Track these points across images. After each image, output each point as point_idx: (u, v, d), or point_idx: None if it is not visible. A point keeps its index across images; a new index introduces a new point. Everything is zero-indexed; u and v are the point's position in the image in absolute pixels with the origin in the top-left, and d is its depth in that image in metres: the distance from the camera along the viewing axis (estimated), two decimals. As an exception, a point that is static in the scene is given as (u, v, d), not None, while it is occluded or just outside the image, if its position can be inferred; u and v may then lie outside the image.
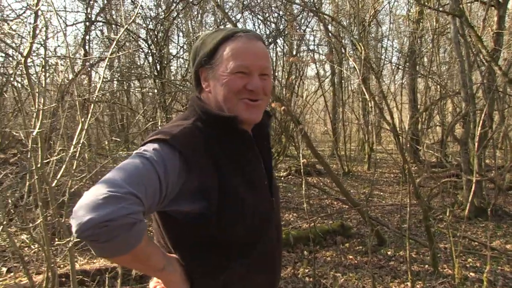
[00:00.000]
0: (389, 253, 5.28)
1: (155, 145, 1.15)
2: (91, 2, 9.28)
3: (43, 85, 2.80)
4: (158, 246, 1.25)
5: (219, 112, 1.29)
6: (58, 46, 9.86)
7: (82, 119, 2.80)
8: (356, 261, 4.98)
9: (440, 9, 7.01)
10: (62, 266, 4.24)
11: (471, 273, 4.56)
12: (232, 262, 1.27)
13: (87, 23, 8.93)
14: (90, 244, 1.01)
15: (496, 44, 6.84)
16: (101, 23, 10.35)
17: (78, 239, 2.72)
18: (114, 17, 10.38)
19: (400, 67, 13.42)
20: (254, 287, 1.37)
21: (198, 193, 1.18)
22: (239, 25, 10.79)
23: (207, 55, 1.31)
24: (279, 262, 1.49)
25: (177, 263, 1.24)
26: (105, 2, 9.78)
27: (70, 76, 5.36)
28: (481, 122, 4.35)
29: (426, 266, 4.76)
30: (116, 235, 0.98)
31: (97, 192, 0.99)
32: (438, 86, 11.40)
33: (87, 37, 9.71)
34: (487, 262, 4.20)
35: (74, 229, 0.98)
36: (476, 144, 4.34)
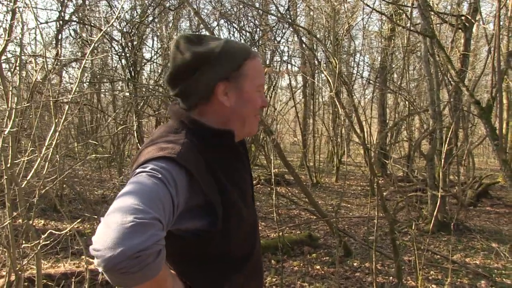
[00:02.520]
0: (355, 264, 5.36)
1: (163, 164, 1.10)
2: (66, 1, 9.13)
3: (17, 84, 2.73)
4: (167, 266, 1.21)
5: (217, 127, 1.29)
6: (29, 43, 9.58)
7: (56, 120, 2.75)
8: (323, 272, 5.03)
9: (412, 28, 7.23)
10: (25, 270, 4.13)
11: (433, 285, 4.68)
12: (232, 274, 1.28)
13: (61, 22, 8.77)
14: (116, 277, 0.92)
15: (462, 65, 7.11)
16: (74, 23, 10.18)
17: (46, 243, 2.67)
18: (88, 17, 10.21)
19: (371, 82, 13.70)
20: None
21: (202, 210, 1.17)
22: (215, 33, 10.81)
23: (230, 69, 1.28)
24: (262, 266, 1.53)
25: (179, 280, 1.23)
26: (80, 2, 9.63)
27: (40, 76, 5.25)
28: (447, 139, 4.50)
29: (391, 277, 4.87)
30: (146, 264, 0.92)
31: (121, 219, 0.92)
32: (407, 102, 11.70)
33: (60, 36, 9.55)
34: (448, 274, 4.34)
35: (102, 263, 0.89)
36: (443, 160, 4.49)
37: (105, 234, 0.91)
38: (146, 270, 0.93)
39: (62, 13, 9.25)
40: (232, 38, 12.71)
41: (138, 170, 1.10)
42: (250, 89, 1.31)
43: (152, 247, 0.92)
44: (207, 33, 7.74)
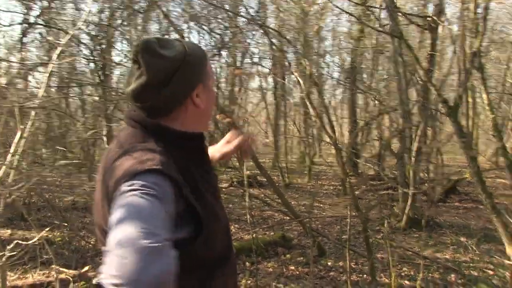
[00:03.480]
0: (329, 263, 5.40)
1: (152, 178, 1.05)
2: (30, 3, 8.90)
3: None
4: None
5: (189, 130, 1.27)
6: (-9, 47, 9.30)
7: (22, 126, 2.67)
8: (297, 272, 5.05)
9: (381, 29, 7.35)
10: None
11: (406, 281, 4.76)
12: (214, 276, 1.27)
13: (26, 25, 8.55)
14: None
15: (430, 64, 7.26)
16: (40, 26, 9.92)
17: (13, 253, 2.58)
18: (55, 20, 9.98)
19: (341, 82, 13.86)
20: None
21: (183, 217, 1.13)
22: (185, 35, 10.73)
23: (202, 73, 1.29)
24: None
25: None
26: (46, 4, 9.41)
27: (4, 80, 5.10)
28: (417, 137, 4.59)
29: (365, 275, 4.92)
30: (164, 286, 0.88)
31: (132, 245, 0.87)
32: (377, 102, 11.88)
33: (24, 39, 9.29)
34: (420, 270, 4.42)
35: None
36: (413, 158, 4.57)
37: (124, 265, 0.85)
38: None
39: (27, 16, 9.00)
40: (202, 41, 12.67)
41: (124, 188, 1.03)
42: (212, 87, 1.32)
43: (171, 270, 0.89)
44: (177, 36, 7.68)
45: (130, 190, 1.01)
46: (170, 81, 1.20)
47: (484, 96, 4.68)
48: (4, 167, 2.76)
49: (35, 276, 4.12)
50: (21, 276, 4.41)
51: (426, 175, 8.86)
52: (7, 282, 4.00)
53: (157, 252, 0.88)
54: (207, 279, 1.25)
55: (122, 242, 0.89)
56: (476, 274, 5.02)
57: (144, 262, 0.85)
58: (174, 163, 1.15)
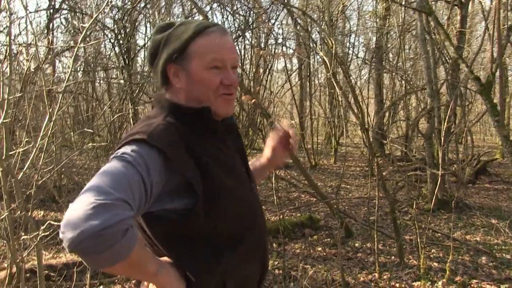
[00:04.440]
0: (356, 245, 5.38)
1: (134, 147, 1.12)
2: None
3: (8, 74, 2.67)
4: (149, 251, 1.21)
5: (191, 105, 1.29)
6: (20, 33, 9.45)
7: (50, 110, 2.70)
8: (324, 253, 5.04)
9: (409, 5, 7.15)
10: (25, 261, 4.11)
11: (434, 263, 4.70)
12: (225, 254, 1.26)
13: (51, 11, 8.63)
14: (84, 257, 0.97)
15: (459, 42, 7.04)
16: (65, 11, 10.01)
17: (46, 234, 2.64)
18: (79, 5, 10.06)
19: (366, 62, 13.61)
20: (249, 275, 1.38)
21: (182, 190, 1.17)
22: (208, 17, 10.68)
23: (178, 51, 1.27)
24: (267, 247, 1.51)
25: (169, 265, 1.21)
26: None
27: (32, 65, 5.18)
28: (446, 117, 4.47)
29: (393, 257, 4.88)
30: (111, 244, 0.95)
31: (84, 202, 0.95)
32: (404, 82, 11.65)
33: (51, 25, 9.39)
34: (449, 252, 4.35)
35: (66, 244, 0.94)
36: (442, 138, 4.46)
37: (69, 216, 0.95)
38: (113, 250, 0.96)
39: (52, 2, 9.07)
40: (226, 22, 12.59)
41: (111, 156, 1.13)
42: (198, 68, 1.27)
43: (115, 226, 0.94)
44: (201, 18, 7.63)
45: (112, 158, 1.11)
46: (154, 61, 1.34)
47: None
48: (34, 150, 2.80)
49: (68, 256, 4.23)
50: (55, 256, 4.54)
51: (455, 156, 8.68)
52: (43, 260, 4.14)
53: (102, 208, 0.94)
54: (212, 255, 1.24)
55: (79, 196, 0.99)
56: (508, 257, 4.91)
57: (85, 215, 0.93)
58: (176, 137, 1.19)
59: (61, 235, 0.95)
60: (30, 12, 8.09)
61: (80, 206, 0.95)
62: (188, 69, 1.28)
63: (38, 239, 2.59)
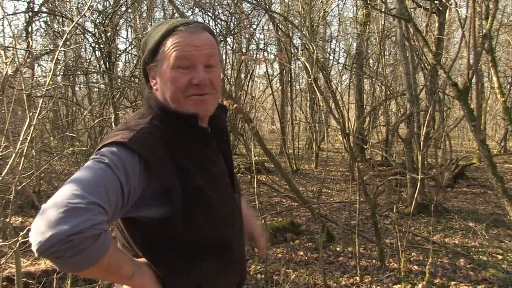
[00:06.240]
0: (338, 249, 5.41)
1: (113, 149, 1.09)
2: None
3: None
4: (126, 253, 1.19)
5: (180, 110, 1.25)
6: (-4, 36, 9.27)
7: (30, 114, 2.67)
8: (306, 258, 5.07)
9: (388, 12, 7.26)
10: (2, 269, 4.03)
11: (414, 266, 4.76)
12: (202, 262, 1.25)
13: (30, 14, 8.51)
14: (54, 261, 0.93)
15: (437, 48, 7.17)
16: (45, 14, 9.87)
17: (25, 240, 2.60)
18: (59, 8, 9.93)
19: (347, 67, 13.76)
20: (226, 285, 1.37)
21: (160, 197, 1.15)
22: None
23: (150, 53, 1.26)
24: (244, 258, 1.50)
25: (146, 267, 1.20)
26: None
27: (11, 69, 5.09)
28: (425, 122, 4.55)
29: (374, 260, 4.93)
30: (82, 249, 0.92)
31: (57, 204, 0.92)
32: (384, 87, 11.80)
33: (29, 28, 9.25)
34: (429, 255, 4.42)
35: (35, 247, 0.91)
36: (421, 143, 4.54)
37: (40, 218, 0.92)
38: (84, 255, 0.93)
39: (31, 4, 8.94)
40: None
41: (91, 157, 1.10)
42: (167, 69, 1.24)
43: (87, 231, 0.91)
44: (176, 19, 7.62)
45: (91, 159, 1.08)
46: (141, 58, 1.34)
47: (494, 79, 4.62)
48: (14, 155, 2.76)
49: (47, 262, 4.16)
50: (33, 262, 4.46)
51: (434, 160, 8.82)
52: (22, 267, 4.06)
53: (74, 212, 0.91)
54: (188, 262, 1.23)
55: (51, 200, 0.95)
56: (485, 259, 5.02)
57: (56, 219, 0.90)
58: (159, 142, 1.17)
59: (30, 238, 0.92)
60: (8, 15, 7.98)
61: (51, 209, 0.92)
62: (160, 71, 1.26)
63: (17, 245, 2.54)
